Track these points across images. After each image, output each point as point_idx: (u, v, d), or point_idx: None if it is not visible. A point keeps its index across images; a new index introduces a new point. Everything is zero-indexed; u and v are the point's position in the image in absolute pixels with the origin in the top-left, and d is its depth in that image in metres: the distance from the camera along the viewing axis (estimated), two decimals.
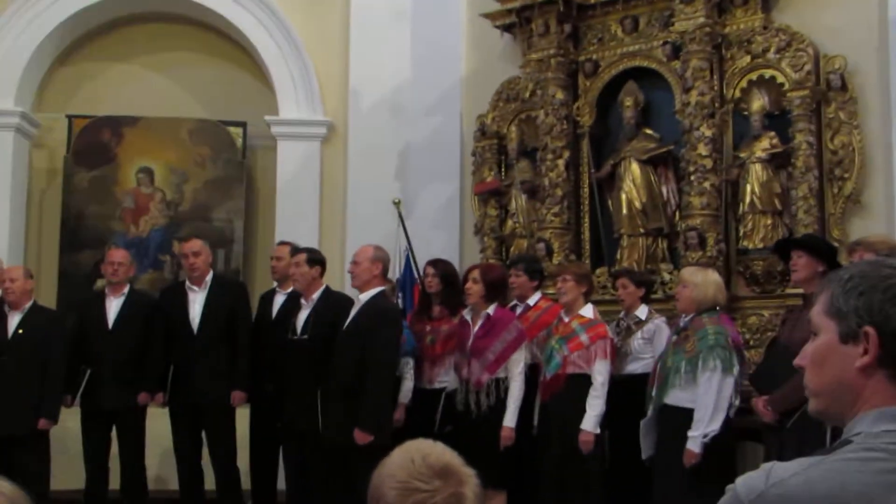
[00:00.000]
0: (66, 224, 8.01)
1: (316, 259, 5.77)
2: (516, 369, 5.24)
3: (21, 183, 8.12)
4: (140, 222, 8.07)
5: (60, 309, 7.68)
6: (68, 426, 6.51)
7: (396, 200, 7.29)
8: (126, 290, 6.29)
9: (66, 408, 6.16)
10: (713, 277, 4.94)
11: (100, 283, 7.59)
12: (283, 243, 6.52)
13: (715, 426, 4.60)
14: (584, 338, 5.19)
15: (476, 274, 5.47)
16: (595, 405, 5.08)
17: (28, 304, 5.95)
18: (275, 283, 6.44)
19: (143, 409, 6.23)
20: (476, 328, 5.38)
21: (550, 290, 6.12)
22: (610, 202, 6.83)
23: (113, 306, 6.22)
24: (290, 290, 6.10)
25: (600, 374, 5.13)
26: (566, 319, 5.34)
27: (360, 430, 4.98)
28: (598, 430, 5.10)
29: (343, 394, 5.13)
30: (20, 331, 5.85)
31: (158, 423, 6.32)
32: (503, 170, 7.44)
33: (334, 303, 5.67)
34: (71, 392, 6.09)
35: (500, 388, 5.25)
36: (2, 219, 7.81)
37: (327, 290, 5.78)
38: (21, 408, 5.73)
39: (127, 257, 6.34)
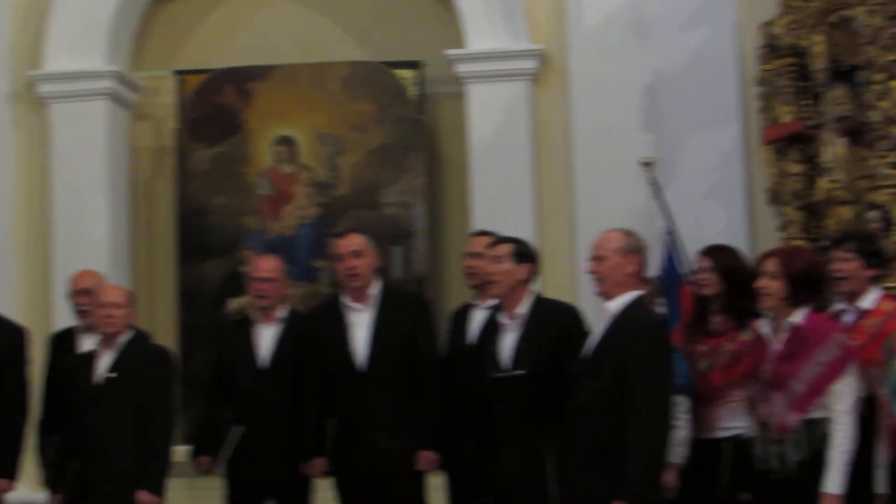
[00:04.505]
0: (184, 222, 8.35)
1: (525, 254, 5.73)
2: (841, 406, 5.04)
3: (120, 169, 8.52)
4: (282, 215, 8.31)
5: (184, 342, 8.07)
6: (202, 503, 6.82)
7: (647, 160, 7.22)
8: (283, 313, 6.46)
9: (203, 472, 6.46)
10: None
11: (234, 303, 7.85)
12: (481, 233, 6.52)
13: None
14: None
15: (773, 265, 5.27)
16: None
17: (126, 338, 6.20)
18: (473, 293, 6.46)
19: (306, 480, 6.39)
20: (778, 346, 5.21)
21: None
22: None
23: (266, 338, 6.42)
24: (494, 301, 6.09)
25: None
26: None
27: None
28: None
29: (589, 452, 5.08)
30: (113, 374, 6.11)
31: (323, 499, 6.45)
32: (807, 103, 7.18)
33: (553, 317, 5.62)
34: (210, 453, 6.36)
35: (817, 433, 5.07)
36: (99, 219, 8.25)
37: (539, 300, 5.73)
38: (118, 477, 5.98)
39: (278, 269, 6.49)
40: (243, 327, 6.51)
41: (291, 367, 6.32)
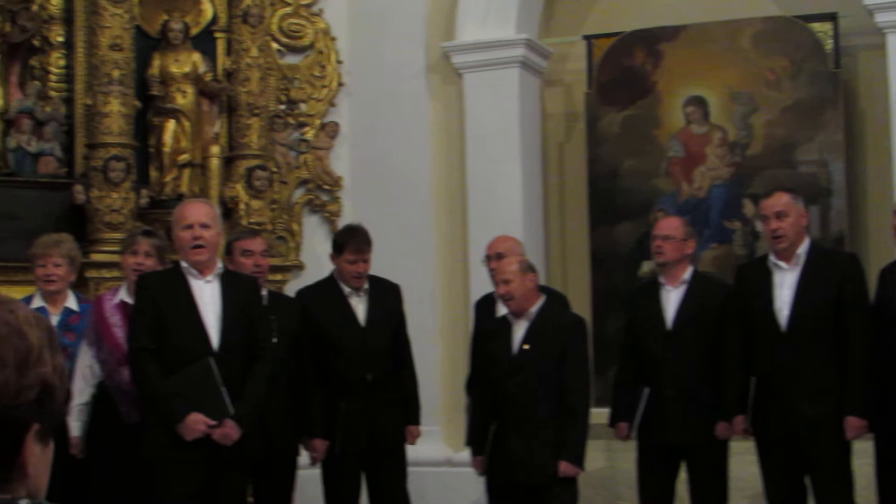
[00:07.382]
0: (595, 186, 8.52)
1: None
2: None
3: (533, 135, 8.78)
4: (694, 176, 8.33)
5: (596, 305, 8.26)
6: (619, 465, 6.99)
7: None
8: (686, 275, 6.51)
9: (622, 439, 6.62)
10: None
11: (647, 266, 7.96)
12: None
13: None
14: None
15: None
16: None
17: (537, 307, 6.25)
18: None
19: (723, 445, 6.43)
20: None
21: None
22: None
23: (671, 300, 6.51)
24: None
25: None
26: None
27: None
28: None
29: None
30: (526, 346, 6.23)
31: (740, 463, 6.51)
32: None
33: None
34: (627, 419, 6.51)
35: None
36: (513, 185, 8.53)
37: None
38: (537, 446, 6.15)
39: (678, 228, 6.52)
40: (652, 290, 6.61)
41: (696, 330, 6.38)
